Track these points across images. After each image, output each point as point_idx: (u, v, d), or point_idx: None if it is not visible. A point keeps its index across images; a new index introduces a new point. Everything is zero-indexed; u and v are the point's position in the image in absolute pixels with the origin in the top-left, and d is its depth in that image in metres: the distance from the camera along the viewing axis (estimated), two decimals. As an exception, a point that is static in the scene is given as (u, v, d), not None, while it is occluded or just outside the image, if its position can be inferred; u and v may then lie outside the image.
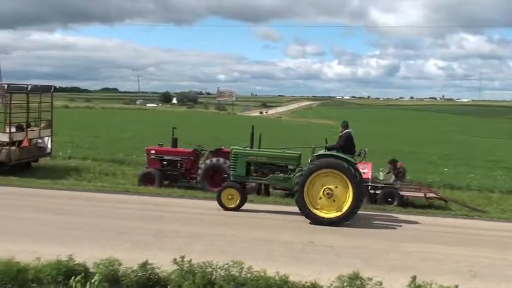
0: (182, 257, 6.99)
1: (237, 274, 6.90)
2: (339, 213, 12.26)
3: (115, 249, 8.67)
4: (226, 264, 7.01)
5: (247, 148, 13.82)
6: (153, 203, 13.84)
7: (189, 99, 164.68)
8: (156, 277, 7.00)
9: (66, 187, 15.51)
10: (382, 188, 16.42)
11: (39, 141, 19.38)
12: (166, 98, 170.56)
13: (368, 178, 16.44)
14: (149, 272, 7.01)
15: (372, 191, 16.26)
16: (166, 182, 17.05)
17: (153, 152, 17.49)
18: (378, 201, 15.97)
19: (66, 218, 11.52)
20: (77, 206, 13.02)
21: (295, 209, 12.69)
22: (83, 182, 16.84)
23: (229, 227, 11.63)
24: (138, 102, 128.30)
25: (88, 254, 8.01)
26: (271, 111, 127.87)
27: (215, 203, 13.40)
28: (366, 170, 16.63)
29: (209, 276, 6.75)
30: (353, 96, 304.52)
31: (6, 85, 19.08)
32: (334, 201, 12.29)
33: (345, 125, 13.18)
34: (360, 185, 12.34)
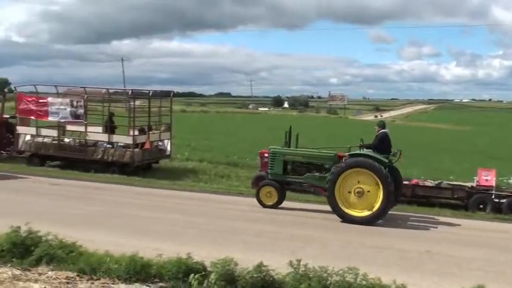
0: (298, 261, 6.97)
1: (352, 281, 6.76)
2: (369, 212, 12.22)
3: (230, 249, 8.85)
4: (341, 270, 6.89)
5: (284, 148, 14.03)
6: (266, 205, 14.00)
7: (300, 103, 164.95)
8: (271, 279, 7.03)
9: (184, 188, 16.21)
10: (507, 196, 15.32)
11: (160, 143, 20.46)
12: (277, 102, 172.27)
13: (491, 186, 15.46)
14: (264, 273, 7.06)
15: (496, 200, 15.23)
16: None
17: (266, 155, 17.67)
18: (504, 210, 14.91)
19: (185, 217, 12.02)
20: (194, 206, 13.54)
21: (406, 215, 12.44)
22: (200, 183, 17.52)
23: (342, 231, 11.50)
24: (250, 106, 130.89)
25: (205, 253, 8.24)
26: (385, 115, 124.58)
27: (327, 207, 13.28)
28: (489, 177, 15.66)
29: (324, 282, 6.67)
30: (473, 99, 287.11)
31: (130, 91, 20.46)
32: (365, 200, 12.27)
33: (382, 125, 13.19)
34: (390, 185, 12.04)
